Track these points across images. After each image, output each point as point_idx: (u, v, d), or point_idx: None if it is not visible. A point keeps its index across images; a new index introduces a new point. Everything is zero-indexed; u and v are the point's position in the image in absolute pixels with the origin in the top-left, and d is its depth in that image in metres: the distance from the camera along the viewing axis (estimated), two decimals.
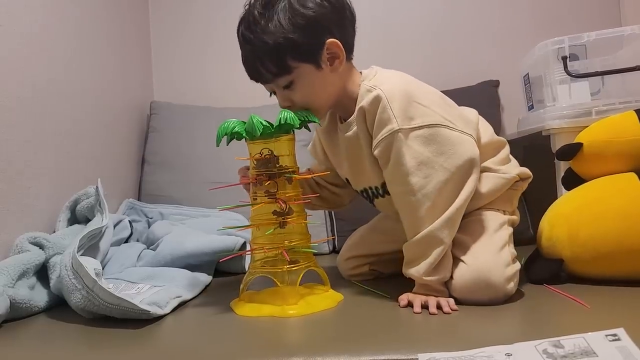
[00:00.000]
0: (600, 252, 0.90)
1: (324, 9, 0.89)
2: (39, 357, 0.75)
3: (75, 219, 1.21)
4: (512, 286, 0.85)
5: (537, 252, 1.00)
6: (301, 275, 0.90)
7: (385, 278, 1.07)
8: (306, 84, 0.91)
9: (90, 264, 0.86)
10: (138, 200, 1.61)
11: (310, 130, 1.02)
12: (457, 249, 0.88)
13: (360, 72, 0.97)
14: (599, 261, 0.91)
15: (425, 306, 0.84)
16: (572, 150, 1.01)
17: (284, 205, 0.90)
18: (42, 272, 1.00)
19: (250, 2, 0.91)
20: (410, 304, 0.85)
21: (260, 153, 0.91)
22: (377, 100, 0.88)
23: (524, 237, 1.27)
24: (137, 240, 1.33)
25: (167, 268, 1.10)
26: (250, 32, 0.89)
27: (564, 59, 1.19)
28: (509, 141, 1.05)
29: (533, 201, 1.45)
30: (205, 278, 1.10)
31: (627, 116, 0.99)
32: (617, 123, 1.00)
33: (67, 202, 1.21)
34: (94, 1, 1.49)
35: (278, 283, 0.89)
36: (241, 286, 0.94)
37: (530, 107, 1.40)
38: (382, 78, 0.93)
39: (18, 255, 0.98)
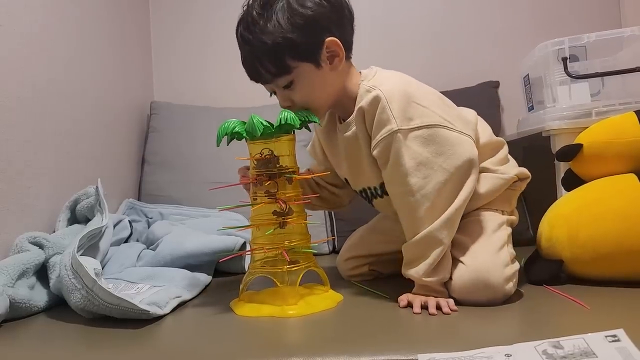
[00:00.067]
0: (599, 253, 0.90)
1: (323, 8, 0.89)
2: (39, 357, 0.75)
3: (75, 218, 1.21)
4: (511, 286, 0.85)
5: (536, 252, 1.00)
6: (301, 276, 0.90)
7: (385, 278, 1.08)
8: (306, 84, 0.91)
9: (90, 264, 0.86)
10: (138, 200, 1.61)
11: (310, 131, 1.02)
12: (456, 250, 0.88)
13: (360, 72, 0.98)
14: (598, 262, 0.91)
15: (424, 307, 0.84)
16: (572, 151, 1.01)
17: (284, 205, 0.90)
18: (41, 272, 1.00)
19: (248, 2, 0.91)
20: (409, 305, 0.85)
21: (260, 153, 0.91)
22: (376, 100, 0.88)
23: (524, 237, 1.27)
24: (137, 240, 1.33)
25: (167, 268, 1.10)
26: (249, 33, 0.89)
27: (564, 60, 1.19)
28: (509, 142, 1.05)
29: (533, 202, 1.45)
30: (205, 278, 1.10)
31: (627, 117, 0.99)
32: (617, 124, 1.00)
33: (67, 202, 1.21)
34: (94, 1, 1.49)
35: (278, 283, 0.89)
36: (241, 286, 0.94)
37: (530, 108, 1.40)
38: (381, 78, 0.93)
39: (18, 255, 0.98)
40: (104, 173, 1.37)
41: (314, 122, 0.93)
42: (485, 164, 0.96)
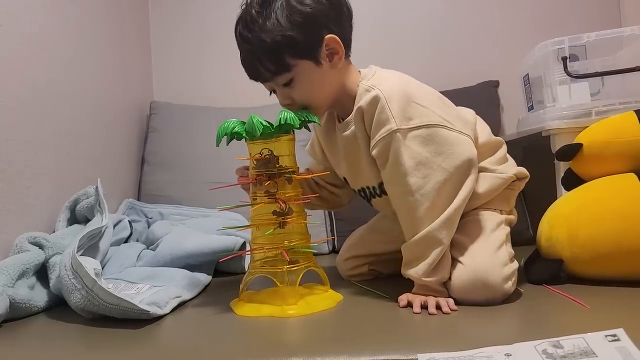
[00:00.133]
0: (599, 253, 0.90)
1: (322, 5, 0.89)
2: (39, 357, 0.76)
3: (75, 219, 1.21)
4: (509, 285, 0.85)
5: (536, 252, 1.00)
6: (301, 276, 0.90)
7: (385, 278, 1.08)
8: (306, 81, 0.91)
9: (90, 264, 0.86)
10: (138, 200, 1.61)
11: (310, 130, 1.02)
12: (455, 250, 0.88)
13: (359, 71, 0.97)
14: (598, 261, 0.91)
15: (424, 306, 0.84)
16: (571, 151, 1.01)
17: (283, 205, 0.90)
18: (41, 272, 1.00)
19: (247, 1, 0.91)
20: (409, 304, 0.85)
21: (260, 153, 0.91)
22: (375, 100, 0.87)
23: (524, 237, 1.27)
24: (137, 240, 1.33)
25: (167, 268, 1.10)
26: (248, 32, 0.89)
27: (564, 59, 1.19)
28: (508, 142, 1.05)
29: (533, 201, 1.45)
30: (204, 278, 1.10)
31: (627, 117, 0.99)
32: (617, 124, 1.00)
33: (67, 202, 1.21)
34: (94, 1, 1.49)
35: (278, 283, 0.89)
36: (241, 286, 0.94)
37: (530, 108, 1.40)
38: (380, 78, 0.93)
39: (18, 255, 0.98)
40: (104, 173, 1.37)
41: (314, 122, 0.93)
42: (484, 164, 0.96)
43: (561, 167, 1.14)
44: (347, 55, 0.95)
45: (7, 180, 1.07)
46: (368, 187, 1.00)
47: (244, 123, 0.90)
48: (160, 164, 1.66)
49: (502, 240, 0.90)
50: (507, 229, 0.94)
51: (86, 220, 1.19)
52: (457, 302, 0.84)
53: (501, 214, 0.96)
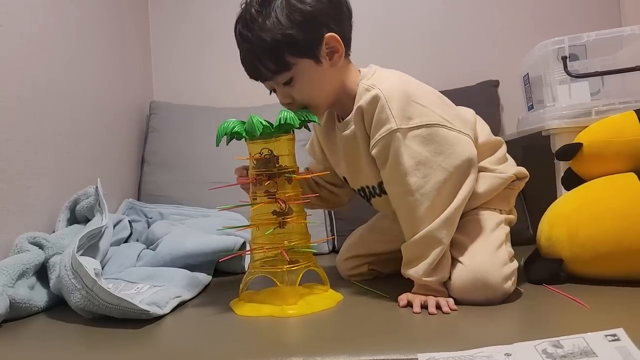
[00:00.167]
0: (599, 252, 0.90)
1: (321, 4, 0.89)
2: (39, 357, 0.76)
3: (74, 219, 1.21)
4: (509, 285, 0.85)
5: (536, 252, 1.00)
6: (301, 275, 0.90)
7: (385, 278, 1.08)
8: (306, 80, 0.91)
9: (90, 264, 0.86)
10: (138, 200, 1.61)
11: (310, 130, 1.02)
12: (454, 250, 0.88)
13: (359, 70, 0.97)
14: (598, 261, 0.91)
15: (424, 306, 0.84)
16: (571, 151, 1.01)
17: (283, 205, 0.90)
18: (41, 272, 1.00)
19: (246, 0, 0.91)
20: (409, 304, 0.85)
21: (260, 153, 0.91)
22: (375, 99, 0.87)
23: (524, 237, 1.27)
24: (137, 240, 1.33)
25: (167, 268, 1.10)
26: (247, 31, 0.89)
27: (564, 59, 1.19)
28: (508, 141, 1.05)
29: (533, 201, 1.45)
30: (204, 278, 1.10)
31: (626, 116, 0.99)
32: (617, 123, 1.00)
33: (67, 202, 1.21)
34: (94, 1, 1.49)
35: (278, 283, 0.89)
36: (241, 286, 0.94)
37: (530, 107, 1.40)
38: (380, 77, 0.93)
39: (18, 255, 0.98)
40: (104, 173, 1.37)
41: (314, 121, 0.93)
42: (483, 163, 0.96)
43: (561, 167, 1.14)
44: (347, 54, 0.95)
45: (7, 180, 1.07)
46: (368, 187, 1.00)
47: (243, 123, 0.90)
48: (160, 164, 1.66)
49: (501, 240, 0.90)
50: (507, 229, 0.94)
51: (86, 220, 1.19)
52: (457, 302, 0.84)
53: (501, 213, 0.96)
